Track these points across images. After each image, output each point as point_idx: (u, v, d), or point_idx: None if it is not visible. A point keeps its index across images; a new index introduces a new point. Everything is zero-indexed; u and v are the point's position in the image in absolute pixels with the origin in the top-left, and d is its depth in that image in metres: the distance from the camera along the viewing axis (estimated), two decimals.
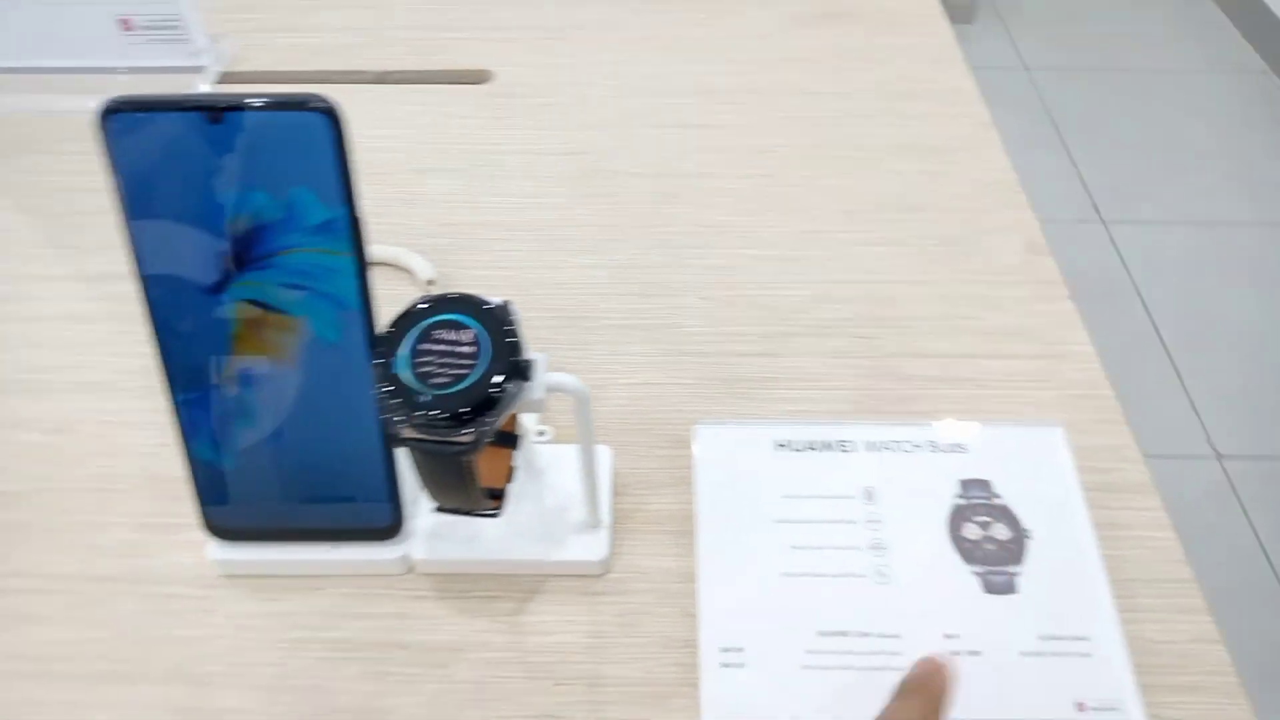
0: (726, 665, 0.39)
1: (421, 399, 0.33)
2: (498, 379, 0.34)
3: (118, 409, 0.50)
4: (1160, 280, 1.67)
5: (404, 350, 0.34)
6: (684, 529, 0.45)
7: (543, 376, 0.36)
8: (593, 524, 0.43)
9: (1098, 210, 1.82)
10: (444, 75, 0.71)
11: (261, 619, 0.42)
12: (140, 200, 0.35)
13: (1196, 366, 1.52)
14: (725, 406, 0.50)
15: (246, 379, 0.38)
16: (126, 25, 0.66)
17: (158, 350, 0.38)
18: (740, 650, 0.39)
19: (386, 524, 0.42)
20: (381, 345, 0.34)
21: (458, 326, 0.35)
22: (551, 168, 0.64)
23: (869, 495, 0.43)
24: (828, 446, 0.45)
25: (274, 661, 0.41)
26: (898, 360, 0.52)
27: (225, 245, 0.36)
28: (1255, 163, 1.91)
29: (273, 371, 0.38)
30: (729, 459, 0.45)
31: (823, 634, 0.40)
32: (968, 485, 0.44)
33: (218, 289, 0.37)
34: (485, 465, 0.38)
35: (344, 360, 0.38)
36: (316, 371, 0.38)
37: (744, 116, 0.67)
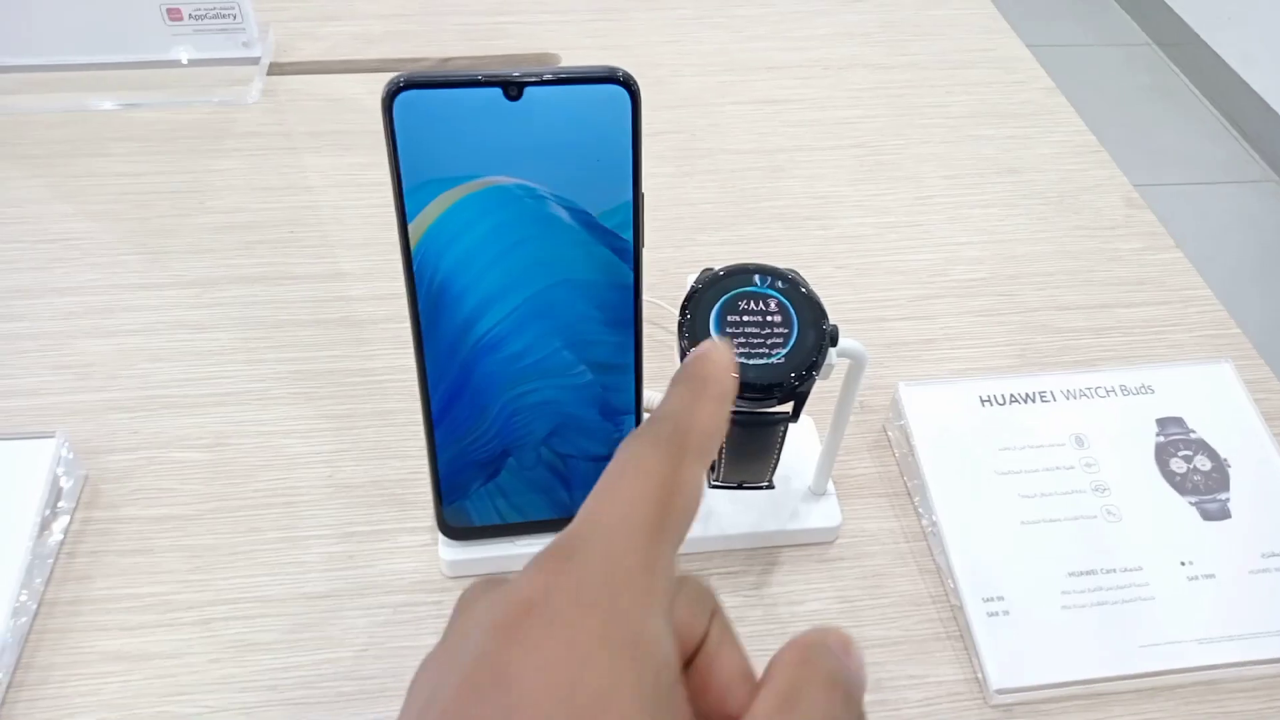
0: (993, 614, 0.40)
1: (747, 372, 0.33)
2: (815, 347, 0.33)
3: (276, 418, 0.47)
4: None
5: (713, 325, 0.34)
6: (895, 490, 0.45)
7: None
8: (818, 492, 0.44)
9: None
10: (507, 61, 0.69)
11: None
12: (423, 183, 0.33)
13: None
14: (895, 370, 0.50)
15: (509, 372, 0.37)
16: (174, 15, 0.62)
17: (417, 341, 0.36)
18: (1002, 599, 0.40)
19: None
20: (688, 323, 0.34)
21: (759, 297, 0.34)
22: (647, 149, 0.63)
23: (1079, 441, 0.45)
24: (1029, 399, 0.46)
25: None
26: (1043, 314, 0.54)
27: None
28: (1146, 130, 2.05)
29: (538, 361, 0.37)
30: (939, 417, 0.45)
31: (1073, 574, 0.41)
32: (1164, 423, 0.46)
33: None
34: None
35: (612, 345, 0.37)
36: (582, 360, 0.37)
37: (819, 90, 0.68)
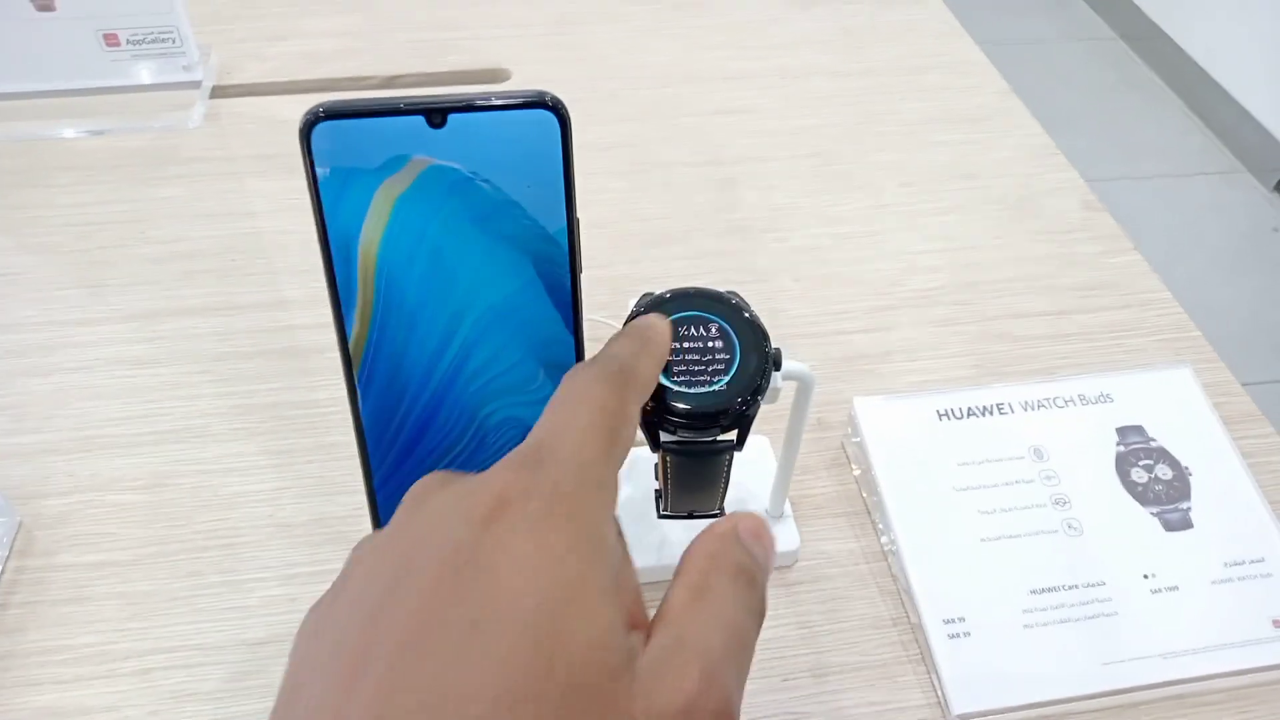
0: (953, 636, 0.39)
1: (684, 401, 0.32)
2: (759, 372, 0.32)
3: (216, 455, 0.45)
4: None
5: None
6: (853, 509, 0.45)
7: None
8: (775, 515, 0.43)
9: None
10: (457, 76, 0.68)
11: None
12: (345, 219, 0.32)
13: None
14: (853, 384, 0.50)
15: (449, 401, 0.36)
16: (111, 40, 0.60)
17: (348, 374, 0.34)
18: (962, 620, 0.39)
19: None
20: None
21: (700, 322, 0.33)
22: (599, 163, 0.62)
23: (1038, 454, 0.44)
24: (987, 411, 0.45)
25: None
26: (1002, 322, 0.53)
27: None
28: (1115, 124, 2.06)
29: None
30: (896, 432, 0.45)
31: (1034, 592, 0.40)
32: (1124, 432, 0.45)
33: None
34: None
35: (556, 374, 0.36)
36: (526, 387, 0.36)
37: (776, 99, 0.67)
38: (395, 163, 0.31)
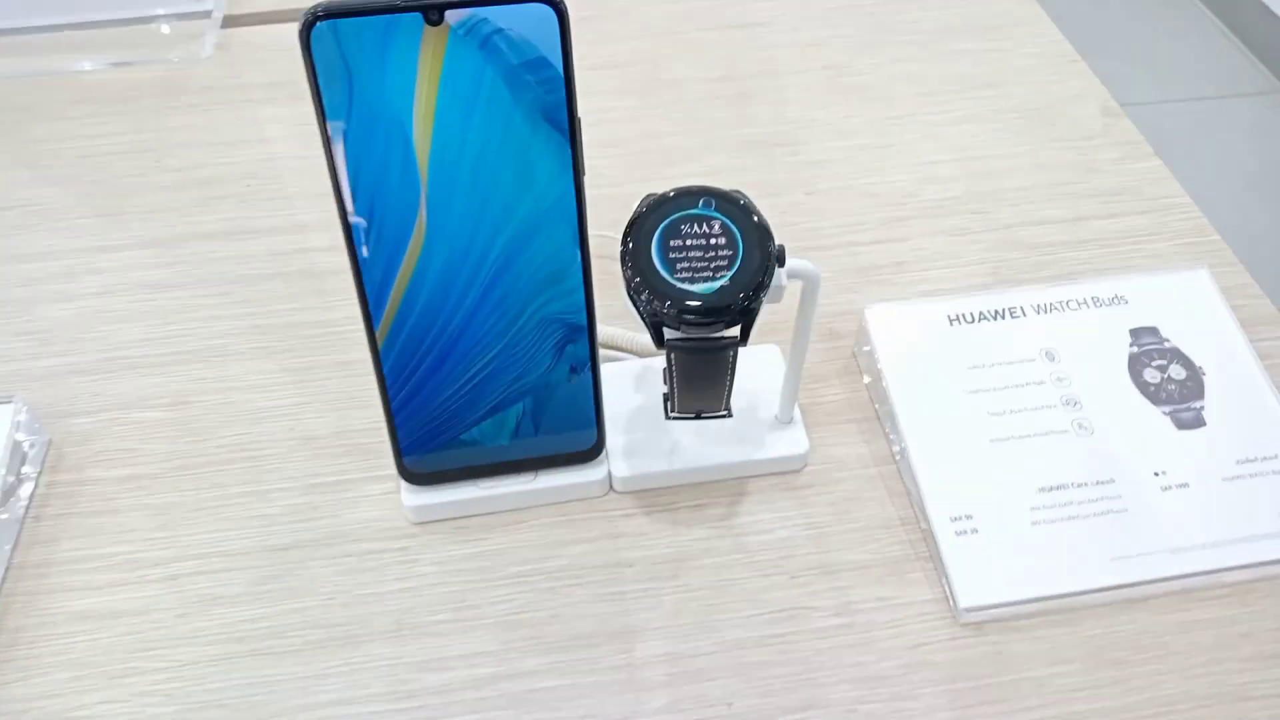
0: (961, 533, 0.39)
1: (690, 298, 0.32)
2: (762, 268, 0.33)
3: (237, 374, 0.46)
4: None
5: (655, 251, 0.33)
6: (864, 415, 0.45)
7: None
8: (784, 420, 0.43)
9: None
10: None
11: (473, 559, 0.40)
12: (346, 116, 0.32)
13: None
14: (865, 294, 0.49)
15: (451, 307, 0.36)
16: None
17: (359, 285, 0.35)
18: (970, 518, 0.40)
19: (591, 445, 0.41)
20: (630, 250, 0.33)
21: (703, 219, 0.33)
22: (611, 82, 0.61)
23: (1050, 356, 0.44)
24: (999, 315, 0.45)
25: (502, 599, 0.39)
26: (1018, 230, 0.52)
27: None
28: (1149, 43, 1.99)
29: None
30: (907, 338, 0.44)
31: (1043, 490, 0.40)
32: (1137, 334, 0.45)
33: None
34: None
35: (557, 277, 0.36)
36: (527, 291, 0.36)
37: (788, 11, 0.66)
38: (400, 61, 0.31)
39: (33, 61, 0.61)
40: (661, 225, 0.33)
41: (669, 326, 0.33)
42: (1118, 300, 0.46)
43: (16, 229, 0.54)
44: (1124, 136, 0.57)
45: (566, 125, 0.33)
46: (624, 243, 0.34)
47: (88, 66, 0.61)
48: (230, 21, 0.65)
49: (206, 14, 0.63)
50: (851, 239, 0.52)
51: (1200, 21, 2.04)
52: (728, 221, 0.33)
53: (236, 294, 0.50)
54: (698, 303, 0.32)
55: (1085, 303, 0.46)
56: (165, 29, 0.62)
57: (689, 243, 0.33)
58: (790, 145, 0.57)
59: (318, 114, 0.32)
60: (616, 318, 0.46)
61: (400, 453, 0.39)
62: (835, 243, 0.52)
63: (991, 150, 0.56)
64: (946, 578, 0.38)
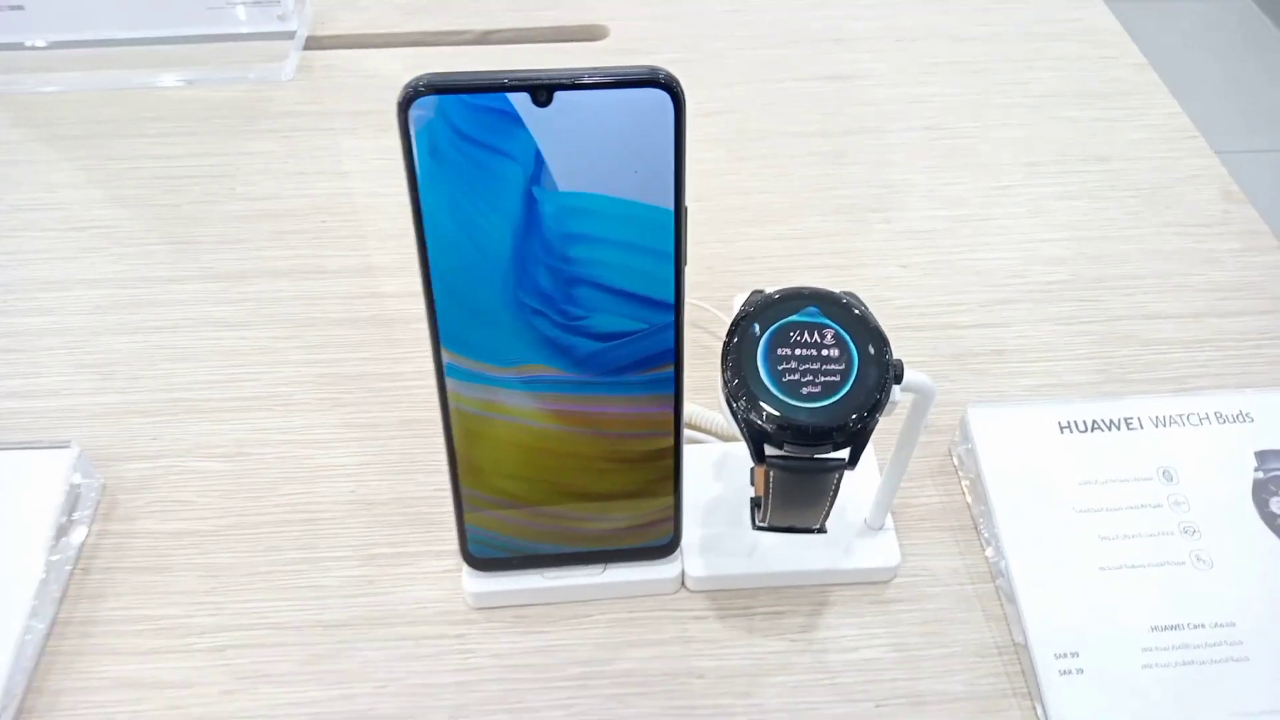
0: (1065, 672, 0.36)
1: (795, 415, 0.29)
2: (878, 386, 0.30)
3: (299, 426, 0.45)
4: None
5: (761, 357, 0.30)
6: (961, 523, 0.42)
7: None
8: (875, 527, 0.40)
9: None
10: (555, 33, 0.65)
11: (534, 654, 0.38)
12: (442, 197, 0.30)
13: None
14: (962, 384, 0.46)
15: (536, 387, 0.34)
16: None
17: (435, 354, 0.33)
18: (1076, 655, 0.37)
19: (667, 540, 0.38)
20: (735, 355, 0.30)
21: (814, 328, 0.31)
22: (699, 130, 0.59)
23: (1167, 475, 0.41)
24: (1114, 425, 0.42)
25: (562, 702, 0.36)
26: (1129, 323, 0.49)
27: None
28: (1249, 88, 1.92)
29: (565, 380, 0.34)
30: (1012, 443, 0.41)
31: (1155, 629, 0.37)
32: (1263, 456, 0.41)
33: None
34: None
35: (650, 369, 0.33)
36: (617, 383, 0.34)
37: (890, 65, 0.63)
38: (498, 142, 0.29)
39: (114, 74, 0.60)
40: (771, 329, 0.30)
41: (770, 444, 0.30)
42: (1243, 417, 0.42)
43: (86, 251, 0.52)
44: (1246, 225, 0.53)
45: (673, 214, 0.30)
46: (727, 343, 0.31)
47: (168, 82, 0.60)
48: (312, 43, 0.64)
49: (290, 34, 0.62)
50: (949, 320, 0.49)
51: None
52: (841, 331, 0.31)
53: (303, 338, 0.48)
54: (805, 421, 0.29)
55: (1207, 418, 0.42)
56: (247, 48, 0.61)
57: (798, 352, 0.30)
58: (887, 211, 0.54)
59: (410, 188, 0.30)
60: (697, 392, 0.44)
61: (466, 537, 0.37)
62: (931, 324, 0.49)
63: (1102, 231, 0.53)
64: None
